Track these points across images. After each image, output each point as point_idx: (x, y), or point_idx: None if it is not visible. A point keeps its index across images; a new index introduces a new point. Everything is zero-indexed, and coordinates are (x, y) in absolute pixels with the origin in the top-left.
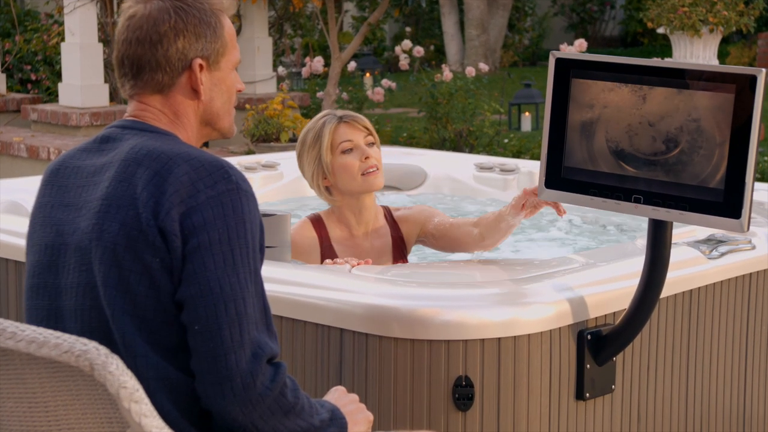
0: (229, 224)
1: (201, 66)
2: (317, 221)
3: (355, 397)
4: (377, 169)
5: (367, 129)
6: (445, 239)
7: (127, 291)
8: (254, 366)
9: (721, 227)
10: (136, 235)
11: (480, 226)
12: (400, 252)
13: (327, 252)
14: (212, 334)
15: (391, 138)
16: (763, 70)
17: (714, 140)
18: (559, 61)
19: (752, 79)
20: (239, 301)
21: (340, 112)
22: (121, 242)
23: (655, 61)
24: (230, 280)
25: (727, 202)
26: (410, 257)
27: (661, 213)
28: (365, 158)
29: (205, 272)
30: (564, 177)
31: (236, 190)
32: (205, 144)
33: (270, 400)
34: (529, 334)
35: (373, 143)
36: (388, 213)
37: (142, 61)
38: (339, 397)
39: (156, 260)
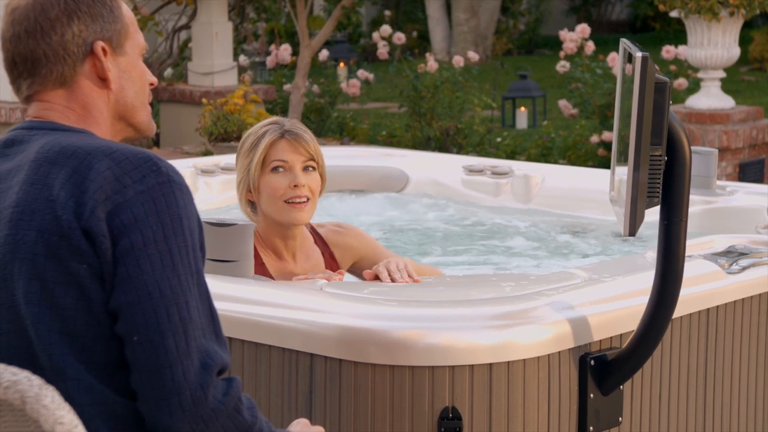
0: (164, 221)
1: (104, 50)
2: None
3: (320, 429)
4: (306, 201)
5: (309, 153)
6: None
7: (53, 305)
8: (204, 377)
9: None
10: (57, 241)
11: None
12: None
13: (259, 269)
14: (154, 344)
15: (369, 137)
16: (632, 54)
17: None
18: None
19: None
20: (182, 305)
21: (288, 123)
22: (40, 251)
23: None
24: (170, 283)
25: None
26: None
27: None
28: (293, 186)
29: (141, 275)
30: None
31: (168, 183)
32: (157, 144)
33: (224, 417)
34: (524, 360)
35: (312, 168)
36: (312, 231)
37: (36, 54)
38: (301, 430)
39: (83, 267)
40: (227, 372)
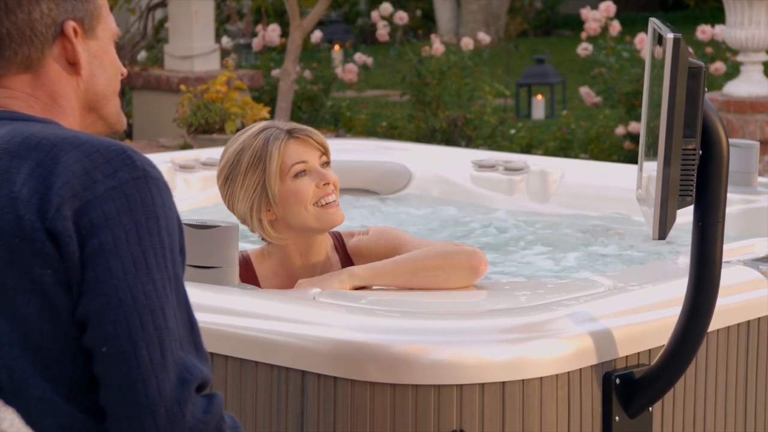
0: (138, 220)
1: (75, 31)
2: (243, 266)
3: None
4: (336, 200)
5: (323, 147)
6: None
7: (14, 316)
8: (182, 393)
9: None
10: (19, 243)
11: None
12: None
13: None
14: (125, 356)
15: (368, 128)
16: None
17: None
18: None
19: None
20: (157, 313)
21: (284, 124)
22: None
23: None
24: (144, 288)
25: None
26: None
27: None
28: (323, 184)
29: (112, 279)
30: None
31: (143, 178)
32: (129, 136)
33: None
34: (541, 378)
35: (327, 163)
36: (339, 243)
37: (0, 33)
38: None
39: (47, 272)
40: (208, 388)
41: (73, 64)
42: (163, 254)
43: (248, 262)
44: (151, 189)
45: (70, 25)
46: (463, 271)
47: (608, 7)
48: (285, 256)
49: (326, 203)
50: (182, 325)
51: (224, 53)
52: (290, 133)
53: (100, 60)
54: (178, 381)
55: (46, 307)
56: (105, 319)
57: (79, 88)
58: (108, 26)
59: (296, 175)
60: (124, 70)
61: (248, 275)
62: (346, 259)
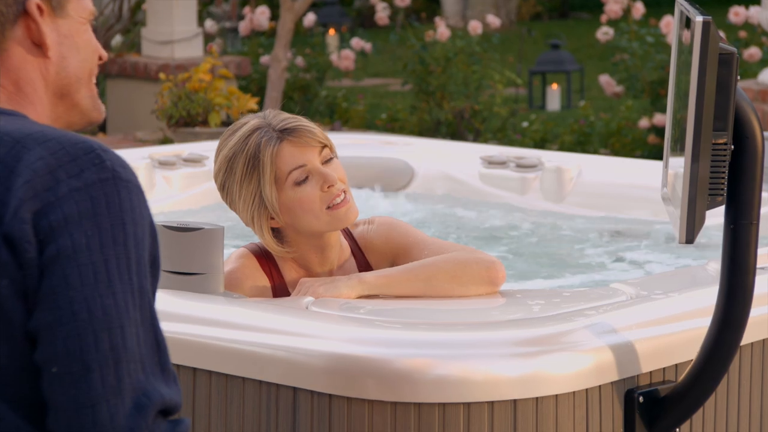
0: (102, 225)
1: (40, 8)
2: (264, 257)
3: None
4: (345, 196)
5: (321, 142)
6: None
7: None
8: (136, 421)
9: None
10: None
11: None
12: None
13: None
14: (75, 377)
15: (366, 121)
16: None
17: None
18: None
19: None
20: (115, 331)
21: (277, 120)
22: None
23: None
24: (103, 302)
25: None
26: None
27: None
28: (328, 187)
29: (68, 290)
30: None
31: (112, 180)
32: (103, 130)
33: None
34: (556, 395)
35: (330, 158)
36: (348, 237)
37: None
38: None
39: (3, 282)
40: (177, 414)
41: (39, 46)
42: (127, 265)
43: (270, 255)
44: (120, 192)
45: (33, 2)
46: (480, 283)
47: None
48: (301, 253)
49: (335, 205)
50: (146, 344)
51: (208, 38)
52: (283, 134)
53: (72, 40)
54: (134, 408)
55: (2, 321)
56: (57, 335)
57: (48, 72)
58: (81, 5)
59: (297, 183)
60: (104, 53)
61: (271, 268)
62: (357, 249)
